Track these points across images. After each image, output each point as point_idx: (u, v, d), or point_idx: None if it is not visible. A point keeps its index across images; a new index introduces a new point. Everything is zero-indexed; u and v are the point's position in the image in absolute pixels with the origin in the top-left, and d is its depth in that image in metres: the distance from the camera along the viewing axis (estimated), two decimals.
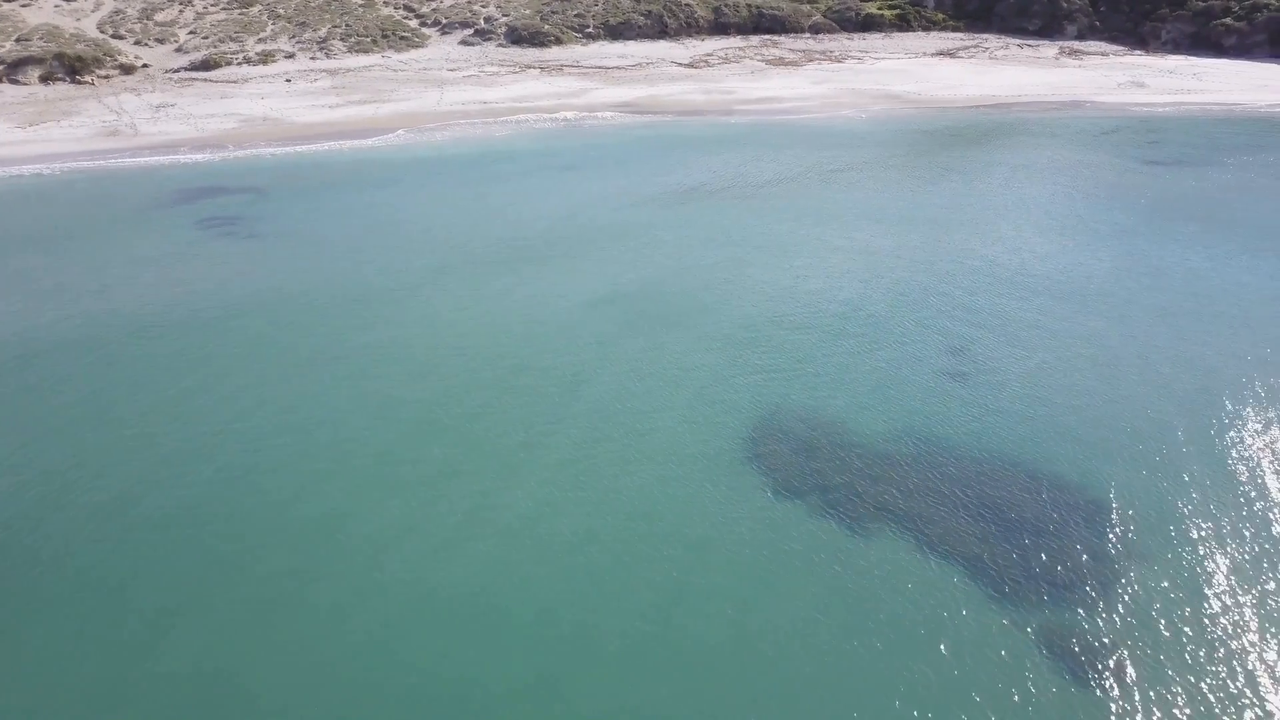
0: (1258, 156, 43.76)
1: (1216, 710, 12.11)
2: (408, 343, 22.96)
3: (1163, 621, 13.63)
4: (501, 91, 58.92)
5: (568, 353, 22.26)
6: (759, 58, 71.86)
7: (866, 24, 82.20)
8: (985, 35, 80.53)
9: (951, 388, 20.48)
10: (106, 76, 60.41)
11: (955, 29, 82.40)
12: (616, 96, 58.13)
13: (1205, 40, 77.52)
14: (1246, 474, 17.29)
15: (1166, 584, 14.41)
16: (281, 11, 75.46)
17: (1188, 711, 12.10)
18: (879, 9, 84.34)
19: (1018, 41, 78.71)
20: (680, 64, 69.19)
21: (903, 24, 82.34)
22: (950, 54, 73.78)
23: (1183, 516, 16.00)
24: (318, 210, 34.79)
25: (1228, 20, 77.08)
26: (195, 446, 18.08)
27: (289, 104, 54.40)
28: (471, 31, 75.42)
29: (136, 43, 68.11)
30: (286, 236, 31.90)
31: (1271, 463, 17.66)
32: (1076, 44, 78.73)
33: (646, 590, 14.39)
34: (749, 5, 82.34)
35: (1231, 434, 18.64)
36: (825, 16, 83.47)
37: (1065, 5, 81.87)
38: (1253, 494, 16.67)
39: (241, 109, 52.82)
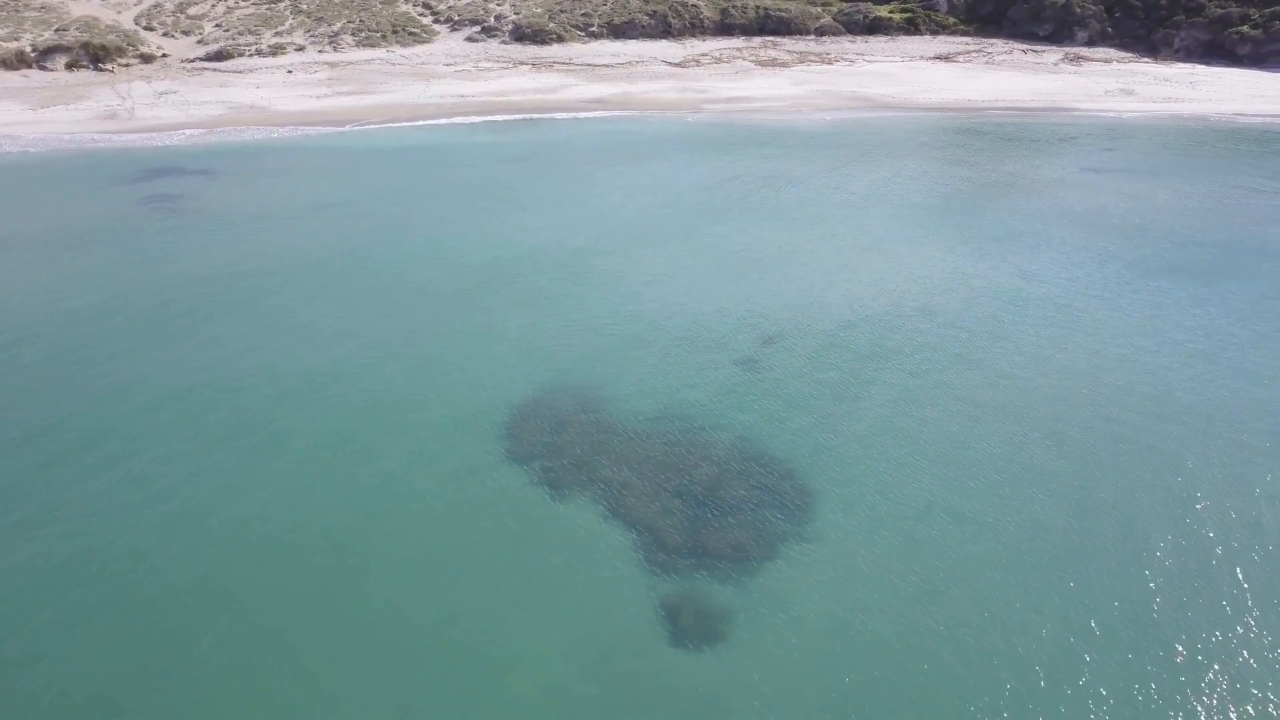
0: (1195, 165, 43.64)
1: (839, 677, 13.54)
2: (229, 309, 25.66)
3: (797, 602, 14.69)
4: (483, 86, 61.70)
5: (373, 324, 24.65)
6: (752, 59, 73.15)
7: (873, 27, 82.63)
8: (992, 40, 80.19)
9: (726, 377, 21.99)
10: (127, 65, 65.20)
11: (965, 33, 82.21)
12: (591, 93, 60.33)
13: (1219, 48, 75.82)
14: (947, 462, 18.68)
15: (822, 563, 15.65)
16: (305, 7, 79.74)
17: (811, 679, 13.38)
18: (889, 12, 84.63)
19: (1024, 47, 78.20)
20: (670, 63, 70.98)
21: (910, 28, 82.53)
22: (947, 58, 73.87)
23: (867, 503, 17.13)
24: (250, 192, 37.83)
25: (1243, 28, 75.27)
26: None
27: (280, 93, 58.10)
28: (479, 29, 78.52)
29: (165, 34, 73.07)
30: (207, 214, 34.92)
31: (967, 454, 19.00)
32: (1084, 50, 77.82)
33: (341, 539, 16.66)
34: (757, 7, 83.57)
35: (952, 428, 19.99)
36: (835, 19, 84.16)
37: (1078, 11, 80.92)
38: (944, 486, 18.08)
39: (234, 97, 56.70)
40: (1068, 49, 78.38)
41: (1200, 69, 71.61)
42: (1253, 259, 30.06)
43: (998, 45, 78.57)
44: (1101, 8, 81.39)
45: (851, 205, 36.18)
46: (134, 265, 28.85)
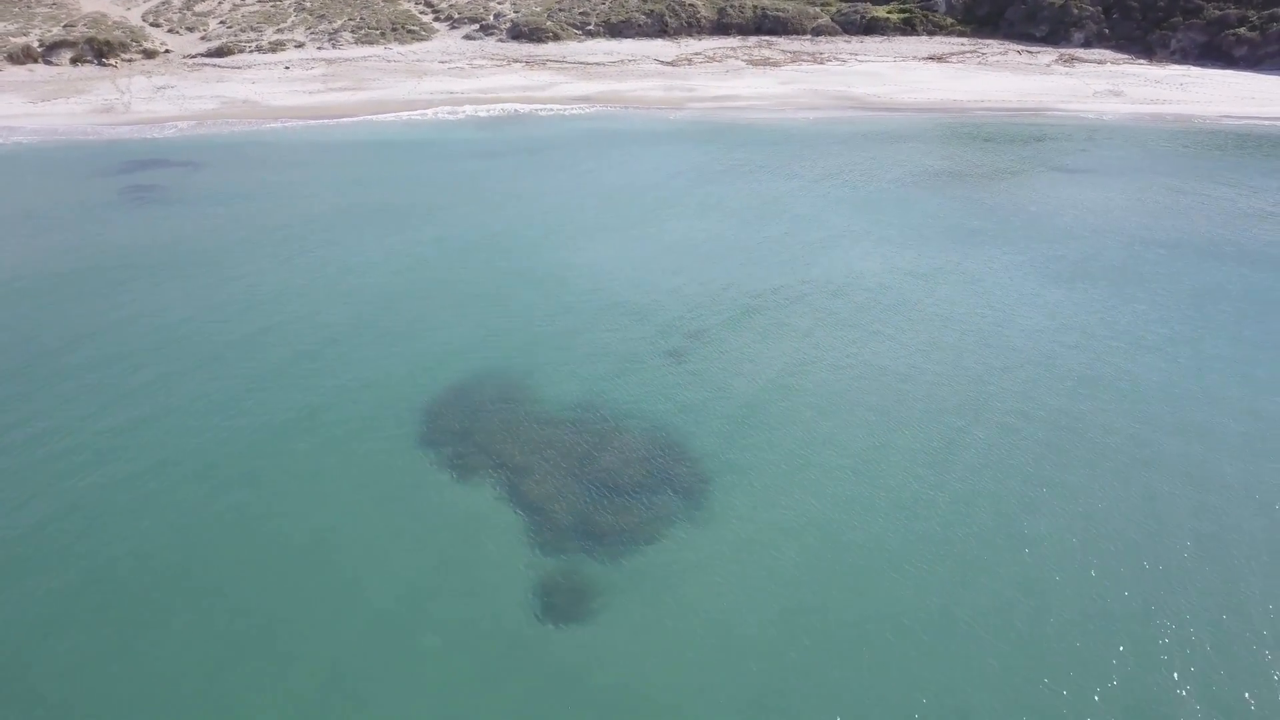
0: (1158, 166, 43.93)
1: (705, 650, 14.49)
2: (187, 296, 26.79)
3: (669, 583, 15.36)
4: (473, 83, 62.80)
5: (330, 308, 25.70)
6: (745, 58, 73.81)
7: (870, 27, 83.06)
8: (988, 41, 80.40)
9: (648, 368, 22.85)
10: (130, 60, 66.87)
11: (962, 34, 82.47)
12: (579, 90, 61.27)
13: (1216, 50, 75.68)
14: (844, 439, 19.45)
15: (701, 545, 16.51)
16: (308, 4, 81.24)
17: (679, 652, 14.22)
18: (887, 13, 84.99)
19: (1019, 48, 78.35)
20: (663, 62, 71.79)
21: (907, 28, 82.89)
22: (941, 59, 74.19)
23: (760, 493, 17.88)
24: (228, 183, 39.02)
25: (1240, 30, 75.10)
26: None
27: (273, 89, 59.47)
28: (477, 27, 79.69)
29: (170, 30, 74.77)
30: (184, 203, 36.15)
31: (874, 426, 19.75)
32: (1080, 51, 77.87)
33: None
34: (754, 6, 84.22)
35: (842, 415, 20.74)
36: (833, 19, 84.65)
37: (1075, 12, 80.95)
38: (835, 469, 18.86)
39: (228, 92, 58.12)
40: (1063, 50, 78.45)
41: (1194, 71, 71.54)
42: (1172, 257, 30.50)
43: (993, 46, 78.78)
44: (1099, 9, 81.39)
45: (796, 199, 36.82)
46: (88, 245, 30.07)
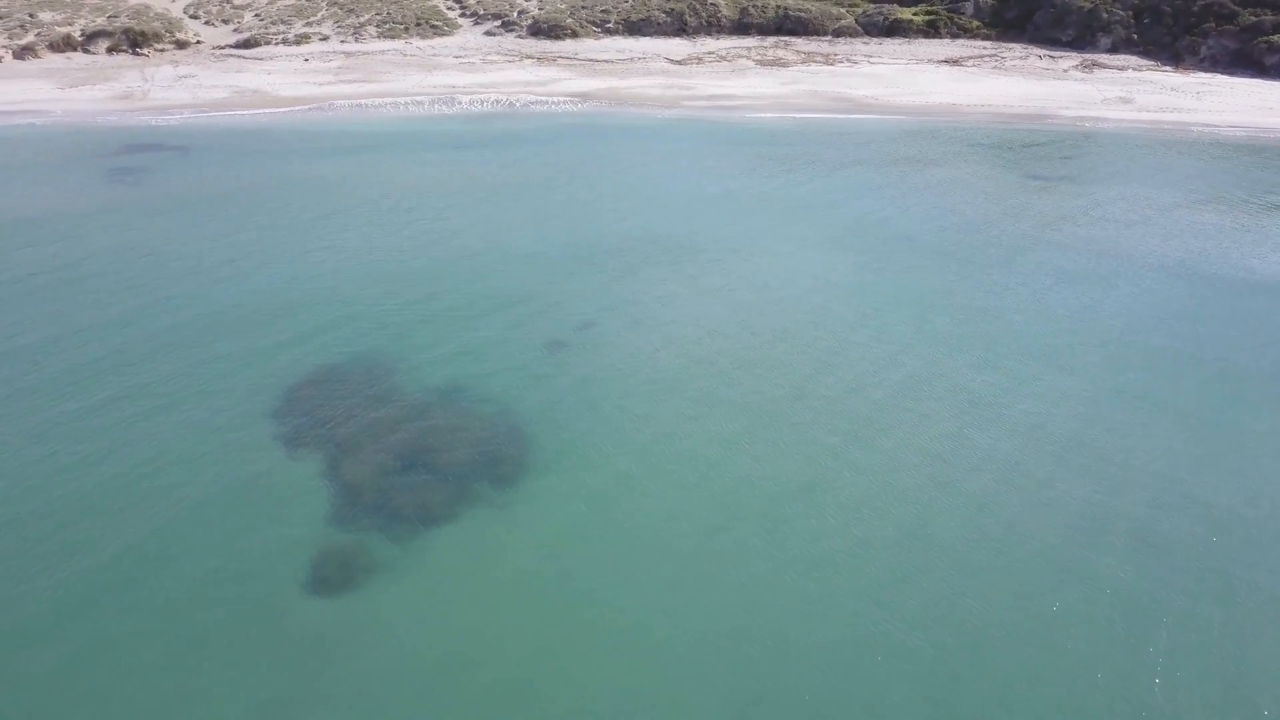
0: (1136, 175, 43.32)
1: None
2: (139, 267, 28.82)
3: (459, 561, 16.48)
4: (477, 78, 64.56)
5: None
6: (757, 58, 74.16)
7: (892, 29, 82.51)
8: (1012, 45, 79.18)
9: (520, 359, 23.97)
10: (162, 50, 70.35)
11: (987, 37, 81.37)
12: (578, 87, 62.53)
13: (1247, 58, 73.28)
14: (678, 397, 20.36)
15: (502, 526, 17.74)
16: (340, 0, 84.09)
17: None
18: (912, 15, 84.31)
19: (1041, 52, 77.03)
20: (672, 61, 72.60)
21: (930, 31, 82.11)
22: (956, 62, 73.43)
23: (579, 479, 18.92)
24: (211, 168, 41.29)
25: (1273, 38, 72.65)
26: None
27: (286, 79, 62.09)
28: (499, 23, 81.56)
29: (206, 23, 78.30)
30: (164, 185, 38.49)
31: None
32: (1105, 57, 76.22)
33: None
34: (777, 6, 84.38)
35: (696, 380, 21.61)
36: (856, 21, 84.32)
37: (1104, 16, 79.21)
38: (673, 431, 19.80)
39: (242, 82, 60.92)
40: (1087, 56, 76.85)
41: (1217, 79, 69.51)
42: (1112, 264, 30.41)
43: (1015, 50, 77.60)
44: (1130, 14, 79.49)
45: (733, 197, 37.51)
46: (43, 211, 32.45)
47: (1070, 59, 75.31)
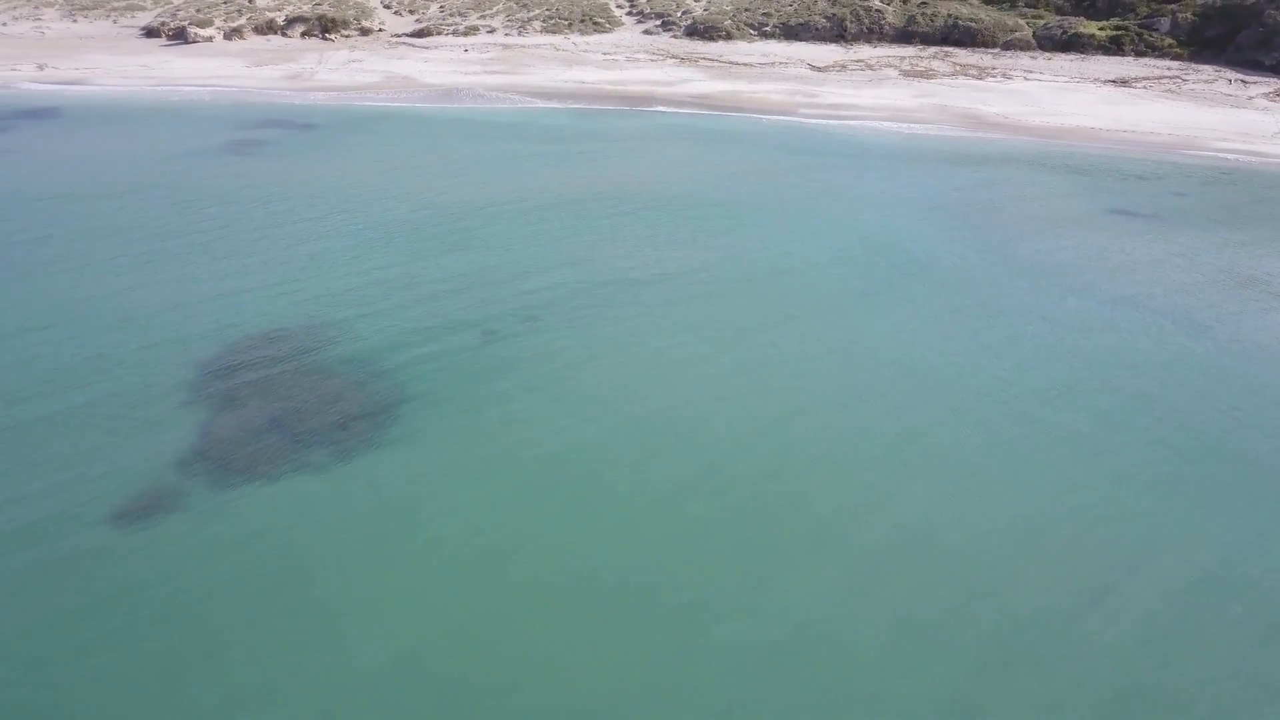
0: (1244, 220, 38.70)
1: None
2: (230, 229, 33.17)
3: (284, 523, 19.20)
4: (610, 74, 66.74)
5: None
6: (906, 68, 71.48)
7: (1069, 44, 76.75)
8: (1201, 67, 71.41)
9: (461, 344, 25.76)
10: (347, 36, 77.88)
11: (1176, 56, 73.89)
12: (704, 89, 63.24)
13: None
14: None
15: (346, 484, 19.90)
16: None
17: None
18: (1097, 29, 78.02)
19: (1234, 76, 68.96)
20: (815, 67, 71.48)
21: (1113, 48, 75.65)
22: (1125, 82, 67.29)
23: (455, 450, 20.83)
24: (323, 146, 45.98)
25: None
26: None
27: (436, 68, 67.13)
28: (659, 22, 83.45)
29: (395, 12, 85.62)
30: (278, 159, 43.33)
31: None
32: None
33: None
34: (946, 15, 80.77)
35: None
36: (1034, 34, 79.17)
37: None
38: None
39: (396, 69, 66.52)
40: None
41: None
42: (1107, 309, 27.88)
43: (1203, 72, 69.99)
44: None
45: (767, 204, 37.18)
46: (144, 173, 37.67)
47: (1265, 85, 66.92)
